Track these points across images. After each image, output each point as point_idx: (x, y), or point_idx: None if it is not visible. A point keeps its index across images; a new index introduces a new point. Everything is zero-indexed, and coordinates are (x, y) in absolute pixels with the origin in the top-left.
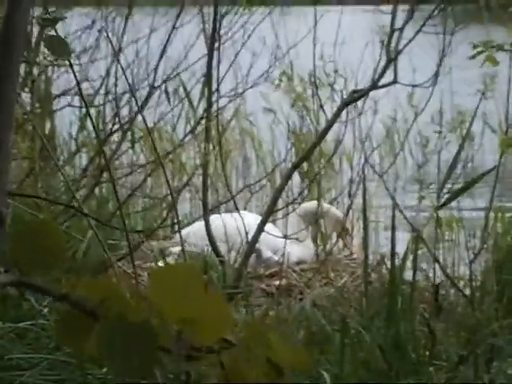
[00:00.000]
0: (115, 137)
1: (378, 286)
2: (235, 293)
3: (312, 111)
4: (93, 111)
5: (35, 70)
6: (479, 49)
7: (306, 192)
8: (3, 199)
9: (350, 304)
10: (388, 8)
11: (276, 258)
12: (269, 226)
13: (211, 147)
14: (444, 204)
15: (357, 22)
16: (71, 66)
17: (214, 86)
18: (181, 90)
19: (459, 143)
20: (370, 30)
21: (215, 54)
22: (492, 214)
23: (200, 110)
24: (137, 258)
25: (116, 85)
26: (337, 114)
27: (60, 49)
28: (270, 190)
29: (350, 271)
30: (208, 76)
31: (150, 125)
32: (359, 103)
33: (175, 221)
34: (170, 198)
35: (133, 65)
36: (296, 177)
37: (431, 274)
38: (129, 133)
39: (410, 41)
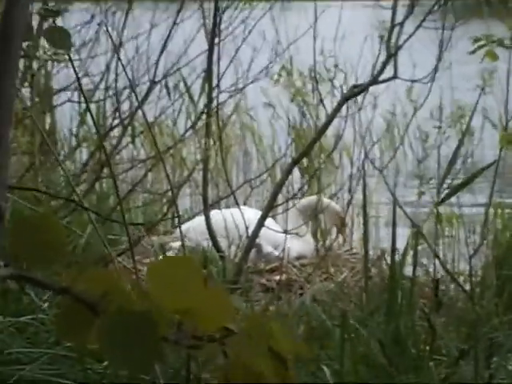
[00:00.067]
0: (115, 132)
1: (378, 281)
2: (235, 288)
3: (312, 106)
4: (93, 106)
5: (35, 65)
6: (480, 43)
7: (306, 187)
8: (3, 194)
9: (350, 299)
10: (388, 3)
11: (276, 253)
12: (269, 221)
13: (212, 142)
14: (444, 199)
15: (357, 17)
16: (71, 60)
17: (215, 81)
18: (181, 84)
19: (459, 138)
20: (370, 25)
21: (215, 49)
22: (492, 210)
23: (200, 105)
24: (137, 253)
25: (116, 80)
26: (337, 109)
27: (61, 41)
28: (271, 185)
29: (350, 266)
30: (208, 71)
31: (151, 120)
32: (359, 98)
33: (175, 216)
34: (170, 193)
35: (133, 60)
36: (296, 172)
37: (431, 270)
38: (129, 128)
39: (410, 36)
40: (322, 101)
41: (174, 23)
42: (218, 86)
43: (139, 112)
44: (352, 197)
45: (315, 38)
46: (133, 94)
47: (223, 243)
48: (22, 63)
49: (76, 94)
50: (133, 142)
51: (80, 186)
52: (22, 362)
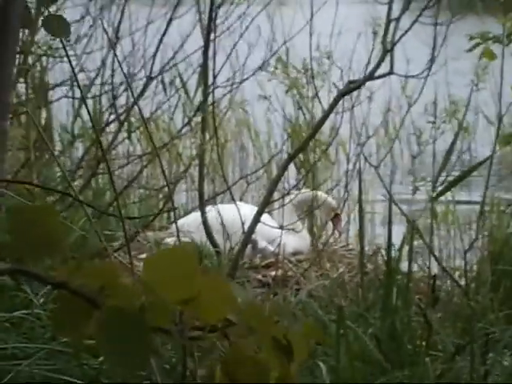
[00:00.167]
0: (111, 127)
1: (374, 276)
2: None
3: (307, 99)
4: (89, 102)
5: (30, 60)
6: (476, 41)
7: (302, 183)
8: None
9: (346, 295)
10: None
11: (272, 248)
12: (265, 217)
13: (207, 138)
14: (439, 194)
15: (353, 13)
16: (67, 55)
17: (211, 77)
18: (177, 80)
19: (454, 133)
20: (364, 22)
21: (211, 44)
22: (487, 205)
23: (197, 101)
24: (133, 248)
25: (112, 75)
26: (333, 105)
27: (60, 28)
28: (267, 181)
29: (346, 262)
30: (204, 66)
31: (147, 115)
32: (355, 94)
33: (171, 211)
34: (166, 188)
35: (129, 56)
36: (292, 167)
37: (427, 265)
38: (125, 123)
39: (406, 31)
40: (317, 96)
41: (171, 19)
42: (213, 82)
43: (135, 107)
44: (348, 193)
45: (311, 35)
46: (129, 90)
47: (219, 239)
48: (16, 58)
49: (72, 89)
50: (129, 137)
51: (76, 182)
52: (18, 358)
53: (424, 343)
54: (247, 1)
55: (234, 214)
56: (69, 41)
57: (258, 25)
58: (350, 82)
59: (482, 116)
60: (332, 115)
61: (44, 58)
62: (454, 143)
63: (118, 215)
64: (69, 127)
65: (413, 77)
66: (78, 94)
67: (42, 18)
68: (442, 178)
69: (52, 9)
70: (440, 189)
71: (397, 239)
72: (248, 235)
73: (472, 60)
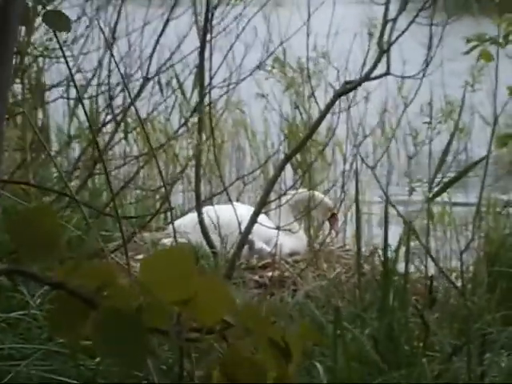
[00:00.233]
0: (108, 128)
1: (371, 277)
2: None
3: (304, 97)
4: (85, 102)
5: (26, 60)
6: (473, 43)
7: (298, 184)
8: None
9: (343, 295)
10: None
11: (268, 249)
12: (262, 218)
13: (204, 138)
14: (436, 195)
15: (350, 13)
16: (64, 55)
17: (207, 78)
18: (174, 81)
19: (450, 134)
20: (362, 22)
21: (208, 45)
22: (484, 206)
23: (193, 101)
24: (130, 249)
25: (109, 76)
26: (329, 106)
27: (60, 23)
28: (263, 182)
29: (343, 263)
30: (200, 67)
31: (144, 116)
32: (351, 94)
33: (168, 212)
34: (162, 189)
35: (125, 56)
36: (289, 168)
37: (424, 266)
38: (122, 124)
39: (402, 32)
40: (314, 96)
41: (168, 19)
42: (210, 83)
43: (132, 108)
44: (344, 193)
45: (308, 35)
46: (126, 90)
47: (216, 240)
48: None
49: (69, 89)
50: (125, 138)
51: (72, 183)
52: (15, 358)
53: (421, 344)
54: (243, 2)
55: (231, 214)
56: (65, 41)
57: (255, 26)
58: (347, 83)
59: (479, 116)
60: (328, 116)
61: (40, 59)
62: (449, 143)
63: (115, 216)
64: (65, 128)
65: (409, 77)
66: (74, 94)
67: (39, 18)
68: (438, 179)
69: (49, 8)
70: (436, 189)
71: (393, 240)
72: (245, 236)
73: (468, 61)
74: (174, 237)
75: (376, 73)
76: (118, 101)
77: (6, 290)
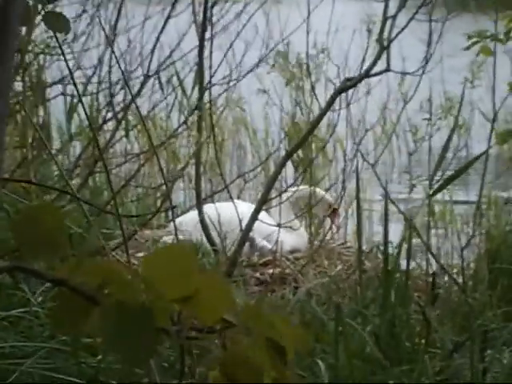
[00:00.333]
0: (109, 125)
1: (372, 274)
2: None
3: (304, 91)
4: (86, 100)
5: (27, 58)
6: (474, 39)
7: (299, 180)
8: None
9: (345, 292)
10: None
11: (269, 246)
12: (262, 215)
13: (205, 136)
14: (436, 191)
15: (350, 10)
16: (63, 53)
17: (207, 75)
18: (174, 78)
19: (450, 130)
20: (361, 19)
21: (208, 42)
22: (485, 203)
23: (194, 99)
24: (131, 247)
25: (110, 72)
26: (330, 102)
27: (60, 24)
28: (264, 179)
29: (344, 260)
30: (200, 65)
31: (144, 113)
32: (352, 90)
33: (169, 210)
34: (163, 187)
35: (126, 53)
36: (290, 165)
37: (425, 263)
38: (123, 121)
39: (402, 29)
40: (314, 93)
41: (168, 17)
42: (210, 81)
43: (133, 105)
44: (344, 190)
45: (308, 33)
46: (126, 88)
47: (216, 237)
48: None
49: (69, 87)
50: (126, 135)
51: (73, 181)
52: (17, 356)
53: (422, 340)
54: None
55: (232, 212)
56: (66, 39)
57: (255, 23)
58: (347, 80)
59: (479, 113)
60: (329, 112)
61: (41, 56)
62: (449, 139)
63: (116, 214)
64: (67, 125)
65: (409, 74)
66: (74, 91)
67: (39, 16)
68: (438, 175)
69: (49, 6)
70: (437, 186)
71: (394, 237)
72: (246, 233)
73: (468, 57)
74: (175, 234)
75: (376, 69)
76: (119, 98)
77: (7, 288)
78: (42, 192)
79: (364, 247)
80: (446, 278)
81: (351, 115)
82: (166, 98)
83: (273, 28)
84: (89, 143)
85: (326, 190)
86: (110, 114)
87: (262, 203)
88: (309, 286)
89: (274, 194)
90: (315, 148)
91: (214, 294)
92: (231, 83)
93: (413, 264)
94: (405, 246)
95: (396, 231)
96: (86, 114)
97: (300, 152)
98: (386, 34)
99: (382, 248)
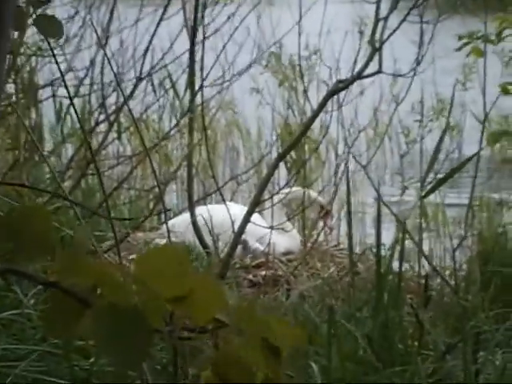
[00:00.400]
0: (101, 127)
1: (365, 276)
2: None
3: (297, 92)
4: (78, 101)
5: (19, 61)
6: (465, 40)
7: (292, 182)
8: None
9: (338, 295)
10: None
11: (262, 248)
12: (255, 217)
13: (197, 138)
14: (428, 193)
15: (342, 12)
16: (54, 56)
17: (199, 77)
18: (167, 80)
19: (441, 131)
20: (353, 20)
21: (200, 45)
22: (477, 205)
23: (186, 101)
24: (123, 249)
25: (102, 74)
26: (322, 104)
27: (52, 28)
28: (257, 181)
29: (337, 262)
30: (191, 67)
31: (137, 115)
32: (344, 92)
33: (162, 213)
34: (156, 189)
35: (118, 54)
36: (282, 167)
37: (417, 265)
38: (115, 123)
39: (394, 30)
40: (307, 95)
41: (161, 19)
42: (202, 84)
43: (125, 107)
44: (336, 192)
45: (300, 34)
46: (118, 89)
47: (209, 239)
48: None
49: (61, 88)
50: (119, 137)
51: (65, 183)
52: (9, 359)
53: (415, 342)
54: (236, 1)
55: (224, 214)
56: (57, 42)
57: (247, 25)
58: (339, 82)
59: (471, 114)
60: (322, 114)
61: (33, 58)
62: (441, 141)
63: (108, 216)
64: (57, 128)
65: (401, 76)
66: (66, 93)
67: (31, 19)
68: (430, 177)
69: (41, 8)
70: (429, 187)
71: (387, 239)
72: (238, 235)
73: (459, 59)
74: (168, 237)
75: (368, 71)
76: (111, 100)
77: None
78: (35, 194)
79: (357, 249)
80: (439, 280)
81: (343, 117)
82: (158, 100)
83: (265, 29)
84: (81, 145)
85: (319, 192)
86: (102, 116)
87: (255, 205)
88: (302, 288)
89: (266, 195)
90: (308, 149)
91: (207, 294)
92: (224, 84)
93: (405, 266)
94: (397, 248)
95: (388, 233)
96: (77, 116)
97: (293, 153)
98: (377, 36)
99: (374, 250)
